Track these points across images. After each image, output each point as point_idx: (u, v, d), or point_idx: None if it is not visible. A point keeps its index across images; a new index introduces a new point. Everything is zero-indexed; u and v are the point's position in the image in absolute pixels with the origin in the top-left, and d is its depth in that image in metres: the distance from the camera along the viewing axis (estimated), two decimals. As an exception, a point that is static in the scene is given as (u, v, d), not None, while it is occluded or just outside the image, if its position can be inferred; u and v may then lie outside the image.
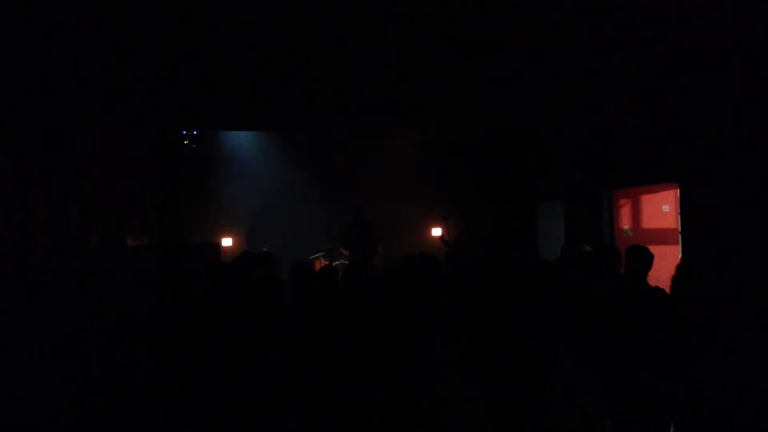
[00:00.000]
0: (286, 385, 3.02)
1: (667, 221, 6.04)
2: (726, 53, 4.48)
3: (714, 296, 3.48)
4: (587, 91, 6.14)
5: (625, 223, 6.66)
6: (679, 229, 5.53)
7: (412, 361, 2.54)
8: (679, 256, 5.47)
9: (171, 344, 3.24)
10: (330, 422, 2.68)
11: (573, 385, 2.34)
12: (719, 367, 3.10)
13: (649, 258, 3.86)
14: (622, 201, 6.67)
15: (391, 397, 2.38)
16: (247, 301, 3.71)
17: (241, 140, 9.75)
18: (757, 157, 4.38)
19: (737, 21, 4.07)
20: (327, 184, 9.62)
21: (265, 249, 8.02)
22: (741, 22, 4.07)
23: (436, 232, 8.93)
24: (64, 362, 2.97)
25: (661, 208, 6.17)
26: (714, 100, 4.81)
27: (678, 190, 5.51)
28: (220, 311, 3.49)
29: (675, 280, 3.75)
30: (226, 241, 9.04)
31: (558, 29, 4.53)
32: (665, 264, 4.75)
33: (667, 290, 3.72)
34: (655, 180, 5.92)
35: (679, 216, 5.55)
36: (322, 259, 8.71)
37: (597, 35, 4.68)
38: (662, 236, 5.96)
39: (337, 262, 8.32)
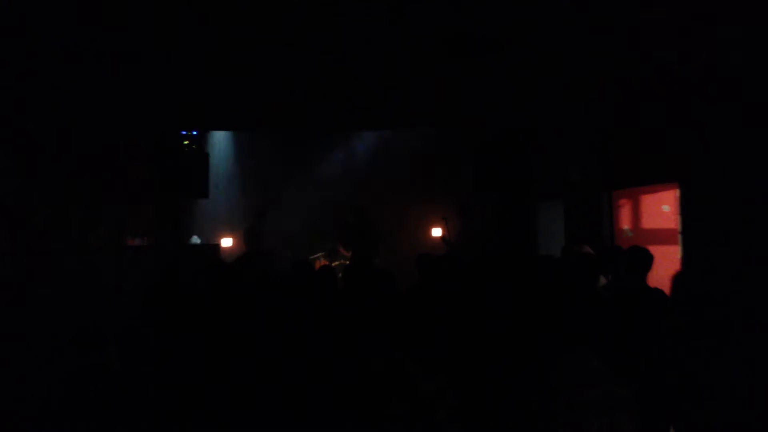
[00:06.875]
0: (283, 385, 3.03)
1: (667, 221, 6.03)
2: (726, 53, 4.48)
3: (714, 297, 3.48)
4: (587, 92, 6.14)
5: (625, 224, 6.66)
6: (679, 230, 5.53)
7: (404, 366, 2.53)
8: (679, 256, 5.47)
9: (170, 344, 3.24)
10: (327, 424, 2.68)
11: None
12: (719, 368, 3.09)
13: (649, 259, 3.86)
14: (622, 201, 6.66)
15: (385, 397, 2.38)
16: (247, 301, 3.72)
17: (242, 140, 9.77)
18: (757, 157, 4.38)
19: (737, 20, 4.06)
20: (328, 184, 9.63)
21: (263, 249, 8.03)
22: (741, 21, 4.07)
23: (437, 232, 8.93)
24: (64, 362, 2.97)
25: (661, 209, 6.17)
26: (714, 99, 4.81)
27: (678, 191, 5.50)
28: (219, 311, 3.50)
29: (674, 281, 3.75)
30: (226, 242, 9.04)
31: (558, 29, 4.53)
32: (665, 265, 4.75)
33: (667, 291, 3.72)
34: (655, 180, 5.92)
35: (679, 216, 5.54)
36: (322, 259, 8.71)
37: (597, 35, 4.68)
38: (662, 237, 5.96)
39: (336, 263, 8.32)
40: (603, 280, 4.26)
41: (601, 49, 4.94)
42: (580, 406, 2.28)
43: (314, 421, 2.80)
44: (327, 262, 8.43)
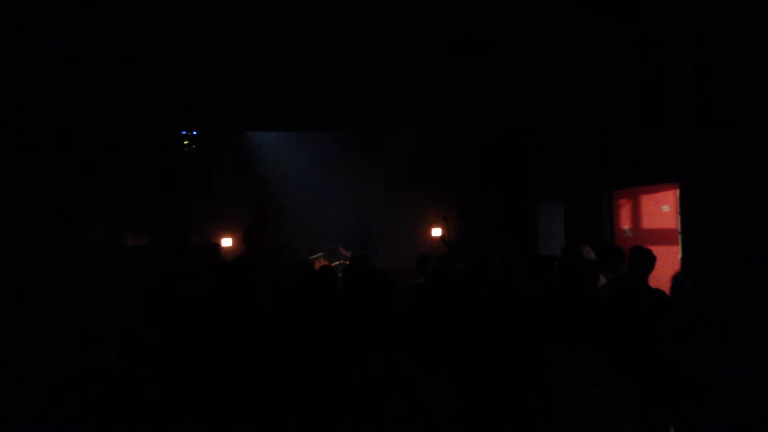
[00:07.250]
0: (283, 385, 3.03)
1: (667, 221, 6.03)
2: (726, 53, 4.48)
3: (714, 297, 3.48)
4: (587, 92, 6.14)
5: (625, 224, 6.66)
6: (679, 230, 5.53)
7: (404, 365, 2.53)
8: (679, 256, 5.47)
9: (170, 344, 3.24)
10: (327, 424, 2.68)
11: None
12: (719, 368, 3.09)
13: (651, 259, 3.87)
14: (622, 201, 6.66)
15: (385, 396, 2.38)
16: (246, 301, 3.72)
17: (241, 139, 9.76)
18: (757, 157, 4.38)
19: (737, 20, 4.06)
20: (328, 184, 9.62)
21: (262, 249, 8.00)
22: (741, 21, 4.07)
23: (437, 232, 8.93)
24: (64, 362, 2.97)
25: (661, 209, 6.17)
26: (714, 99, 4.81)
27: (678, 191, 5.51)
28: (219, 311, 3.50)
29: (675, 281, 3.75)
30: (226, 242, 9.04)
31: (558, 29, 4.53)
32: (665, 264, 4.75)
33: (667, 291, 3.72)
34: (655, 180, 5.92)
35: (679, 216, 5.55)
36: (322, 259, 8.71)
37: (597, 35, 4.68)
38: (662, 237, 5.96)
39: (336, 263, 8.32)
40: (603, 280, 4.26)
41: (601, 49, 4.94)
42: (580, 406, 2.28)
43: (314, 421, 2.80)
44: (327, 262, 8.43)
